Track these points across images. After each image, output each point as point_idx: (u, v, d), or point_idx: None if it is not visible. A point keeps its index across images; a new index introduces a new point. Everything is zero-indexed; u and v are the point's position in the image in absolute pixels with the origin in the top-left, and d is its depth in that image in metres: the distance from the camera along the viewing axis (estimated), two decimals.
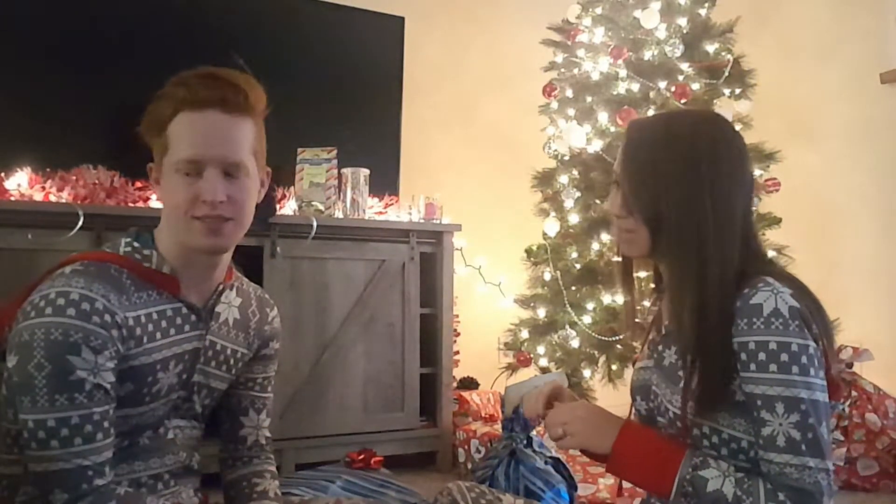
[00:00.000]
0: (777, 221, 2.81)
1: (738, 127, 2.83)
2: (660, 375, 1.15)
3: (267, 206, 2.35)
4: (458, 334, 3.12)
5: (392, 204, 3.01)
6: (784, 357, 0.98)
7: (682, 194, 1.07)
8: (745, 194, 1.10)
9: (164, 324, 1.15)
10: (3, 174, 2.34)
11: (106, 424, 1.06)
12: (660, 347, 1.17)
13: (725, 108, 2.82)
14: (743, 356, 1.01)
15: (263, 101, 1.19)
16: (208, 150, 1.11)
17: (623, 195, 1.13)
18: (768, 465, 0.98)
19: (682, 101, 2.78)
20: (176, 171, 1.12)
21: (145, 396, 1.14)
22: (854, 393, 2.55)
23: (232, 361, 1.29)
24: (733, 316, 1.02)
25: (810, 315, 1.01)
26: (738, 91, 2.93)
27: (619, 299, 2.85)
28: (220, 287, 1.25)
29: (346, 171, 2.78)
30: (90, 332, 1.04)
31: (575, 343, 2.90)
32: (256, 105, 1.17)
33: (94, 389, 1.04)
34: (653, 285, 1.33)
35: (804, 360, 0.98)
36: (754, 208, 1.18)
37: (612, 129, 2.93)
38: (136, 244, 1.16)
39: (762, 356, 0.99)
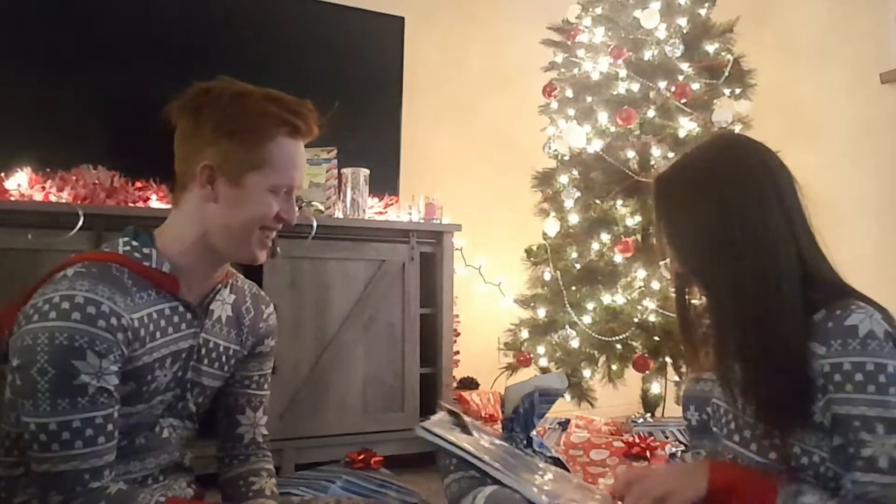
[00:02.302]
0: None
1: (737, 127, 2.84)
2: (724, 390, 1.13)
3: None
4: (458, 334, 3.11)
5: (392, 204, 3.01)
6: (882, 378, 0.97)
7: (703, 245, 1.10)
8: (787, 217, 1.09)
9: (162, 323, 1.16)
10: (3, 174, 2.34)
11: (109, 427, 1.06)
12: (720, 365, 1.15)
13: (725, 108, 2.82)
14: (837, 377, 0.99)
15: None
16: (300, 179, 1.22)
17: (661, 243, 1.19)
18: (866, 486, 0.97)
19: (682, 101, 2.78)
20: (269, 190, 1.17)
21: (144, 394, 1.15)
22: None
23: (224, 359, 1.29)
24: (807, 337, 1.02)
25: None
26: (738, 91, 2.93)
27: (620, 299, 2.85)
28: (217, 286, 1.26)
29: (346, 171, 2.77)
30: (96, 336, 1.04)
31: (575, 343, 2.90)
32: None
33: (97, 393, 1.04)
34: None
35: None
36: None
37: (612, 129, 2.93)
38: (134, 243, 1.16)
39: (859, 377, 0.98)
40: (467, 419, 1.36)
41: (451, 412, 1.37)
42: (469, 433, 1.32)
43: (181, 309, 1.19)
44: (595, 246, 2.90)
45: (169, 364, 1.18)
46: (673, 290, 1.28)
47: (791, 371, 1.02)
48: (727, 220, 1.08)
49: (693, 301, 1.26)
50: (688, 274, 1.17)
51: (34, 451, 1.03)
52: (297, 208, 1.23)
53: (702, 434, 1.18)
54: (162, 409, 1.21)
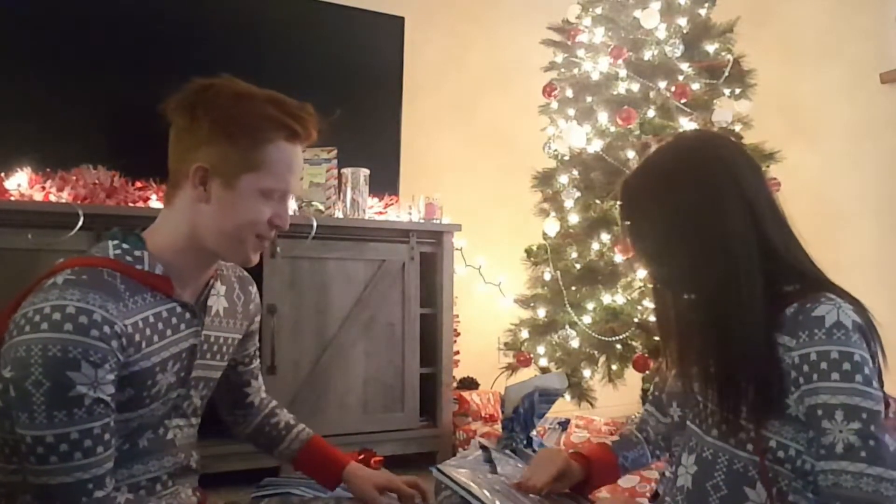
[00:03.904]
0: None
1: (737, 127, 2.84)
2: (701, 385, 1.13)
3: None
4: (458, 334, 3.11)
5: (392, 204, 3.01)
6: (846, 366, 0.97)
7: (662, 248, 1.12)
8: (748, 210, 1.09)
9: (160, 326, 1.14)
10: (3, 174, 2.34)
11: (106, 437, 1.05)
12: (682, 361, 1.16)
13: (725, 107, 2.82)
14: (805, 368, 0.99)
15: None
16: (295, 183, 1.20)
17: (626, 245, 1.21)
18: (826, 476, 0.96)
19: (682, 101, 2.78)
20: (261, 194, 1.15)
21: (145, 399, 1.14)
22: None
23: (225, 349, 1.30)
24: (774, 328, 1.03)
25: (870, 332, 1.01)
26: (738, 91, 2.93)
27: (620, 299, 2.85)
28: (210, 281, 1.26)
29: (346, 171, 2.77)
30: (89, 346, 1.02)
31: (575, 343, 2.90)
32: None
33: (93, 404, 1.03)
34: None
35: (866, 370, 0.97)
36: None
37: (612, 129, 2.93)
38: (125, 246, 1.14)
39: (824, 365, 0.98)
40: (496, 454, 1.45)
41: (482, 446, 1.48)
42: (494, 468, 1.42)
43: (178, 310, 1.18)
44: (595, 246, 2.90)
45: (170, 366, 1.17)
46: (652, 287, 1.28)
47: (754, 365, 1.03)
48: (683, 223, 1.09)
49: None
50: (652, 276, 1.19)
51: (31, 464, 1.02)
52: (290, 213, 1.22)
53: (683, 430, 1.19)
54: (166, 410, 1.20)
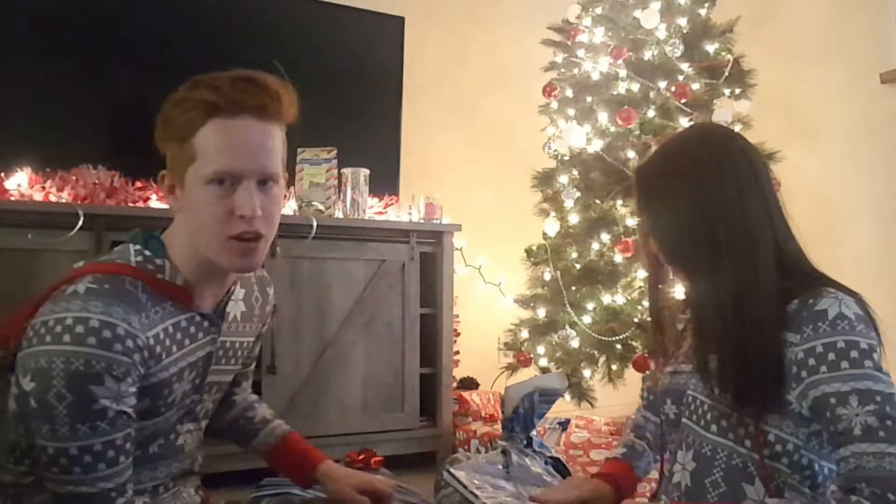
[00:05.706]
0: None
1: (737, 127, 2.84)
2: (700, 380, 1.14)
3: None
4: (458, 334, 3.11)
5: (392, 204, 3.01)
6: (854, 354, 0.97)
7: (685, 236, 1.11)
8: (765, 204, 1.10)
9: (178, 336, 1.13)
10: (3, 174, 2.34)
11: (128, 446, 1.04)
12: (700, 353, 1.16)
13: (725, 108, 2.82)
14: (811, 361, 0.99)
15: (296, 107, 1.14)
16: (245, 161, 1.06)
17: (643, 232, 1.20)
18: (847, 461, 0.95)
19: (682, 101, 2.78)
20: (207, 184, 1.06)
21: (161, 408, 1.13)
22: None
23: (240, 353, 1.29)
24: (779, 324, 1.03)
25: (872, 323, 1.02)
26: (738, 91, 2.92)
27: (620, 299, 2.85)
28: (231, 287, 1.23)
29: (346, 171, 2.77)
30: (113, 360, 1.00)
31: (575, 343, 2.89)
32: (290, 111, 1.13)
33: (116, 416, 1.01)
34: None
35: (875, 356, 0.98)
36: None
37: (612, 129, 2.92)
38: (146, 252, 1.12)
39: (832, 356, 0.98)
40: (515, 458, 1.45)
41: (503, 451, 1.48)
42: (508, 475, 1.41)
43: (197, 319, 1.16)
44: (595, 246, 2.90)
45: (187, 374, 1.15)
46: (646, 283, 1.28)
47: (763, 358, 1.03)
48: (708, 212, 1.09)
49: (669, 293, 1.28)
50: (670, 264, 1.18)
51: (53, 474, 1.00)
52: (258, 199, 1.07)
53: (678, 427, 1.18)
54: (179, 416, 1.19)
